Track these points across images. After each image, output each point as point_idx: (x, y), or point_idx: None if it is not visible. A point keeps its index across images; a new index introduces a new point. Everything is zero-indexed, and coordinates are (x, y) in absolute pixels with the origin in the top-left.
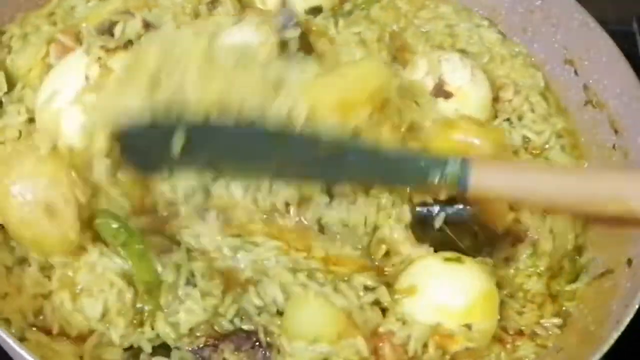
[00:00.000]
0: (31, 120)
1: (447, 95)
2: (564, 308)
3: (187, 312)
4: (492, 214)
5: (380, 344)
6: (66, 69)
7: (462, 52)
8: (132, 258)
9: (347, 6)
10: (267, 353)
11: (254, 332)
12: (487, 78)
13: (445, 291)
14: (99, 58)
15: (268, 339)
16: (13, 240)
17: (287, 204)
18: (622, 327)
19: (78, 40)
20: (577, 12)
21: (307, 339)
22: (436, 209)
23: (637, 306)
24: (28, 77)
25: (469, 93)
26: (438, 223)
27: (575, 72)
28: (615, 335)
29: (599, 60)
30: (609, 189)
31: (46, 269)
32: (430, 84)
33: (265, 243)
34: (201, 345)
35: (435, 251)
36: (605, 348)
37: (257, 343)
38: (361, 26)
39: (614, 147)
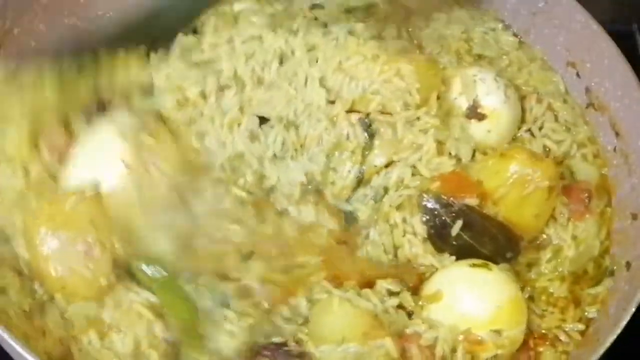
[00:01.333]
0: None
1: (481, 117)
2: (586, 313)
3: (228, 335)
4: (519, 225)
5: (407, 345)
6: (97, 153)
7: (479, 57)
8: (168, 298)
9: None
10: None
11: (284, 343)
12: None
13: (473, 297)
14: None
15: (299, 347)
16: (36, 281)
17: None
18: (619, 330)
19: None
20: (580, 14)
21: (333, 341)
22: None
23: (634, 309)
24: None
25: (502, 115)
26: (455, 231)
27: (578, 75)
28: (612, 337)
29: (601, 62)
30: None
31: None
32: (464, 104)
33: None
34: None
35: (458, 259)
36: (601, 350)
37: (290, 352)
38: None
39: (615, 149)
